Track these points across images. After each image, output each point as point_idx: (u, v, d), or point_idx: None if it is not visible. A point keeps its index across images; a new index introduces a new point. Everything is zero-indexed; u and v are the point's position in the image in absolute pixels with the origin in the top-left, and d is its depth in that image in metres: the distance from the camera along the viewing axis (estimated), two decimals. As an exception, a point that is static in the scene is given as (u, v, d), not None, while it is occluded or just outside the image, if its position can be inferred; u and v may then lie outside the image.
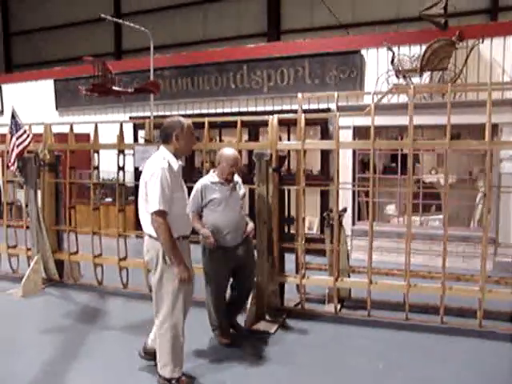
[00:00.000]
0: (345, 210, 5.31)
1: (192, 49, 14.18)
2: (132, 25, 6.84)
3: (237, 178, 4.35)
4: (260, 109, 8.23)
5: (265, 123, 5.17)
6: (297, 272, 5.15)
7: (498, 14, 11.88)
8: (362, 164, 7.61)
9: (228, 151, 4.23)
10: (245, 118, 5.33)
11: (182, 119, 3.58)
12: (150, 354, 3.82)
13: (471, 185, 7.40)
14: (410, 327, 4.73)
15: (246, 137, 7.94)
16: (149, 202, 3.37)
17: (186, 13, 15.84)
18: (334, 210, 4.89)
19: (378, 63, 7.59)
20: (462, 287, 4.88)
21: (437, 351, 4.28)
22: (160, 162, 3.41)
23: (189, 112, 8.88)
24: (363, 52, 7.71)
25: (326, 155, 7.56)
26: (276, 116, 4.96)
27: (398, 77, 7.20)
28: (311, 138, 7.84)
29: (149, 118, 7.38)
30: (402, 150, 6.74)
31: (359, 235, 7.05)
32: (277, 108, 8.02)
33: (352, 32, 13.09)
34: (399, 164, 6.83)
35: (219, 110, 8.67)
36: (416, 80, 7.14)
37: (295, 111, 6.76)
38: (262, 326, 4.70)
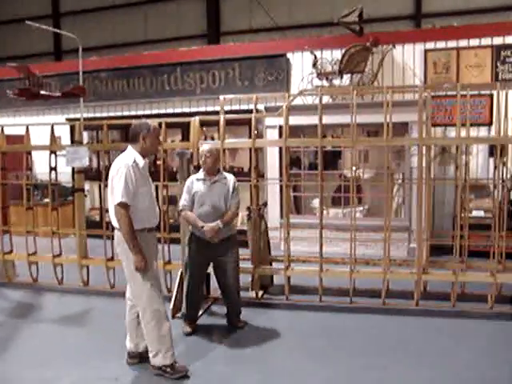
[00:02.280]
0: (265, 204, 5.75)
1: (133, 49, 14.27)
2: (56, 30, 6.99)
3: (228, 175, 4.66)
4: (194, 110, 8.56)
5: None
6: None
7: (422, 20, 12.70)
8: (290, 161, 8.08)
9: (202, 146, 4.61)
10: (169, 120, 5.68)
11: (148, 121, 3.86)
12: (135, 357, 3.98)
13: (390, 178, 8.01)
14: (324, 308, 5.23)
15: (179, 137, 8.26)
16: (113, 195, 3.62)
17: (126, 13, 15.90)
18: (253, 204, 5.33)
19: (302, 66, 8.11)
20: (369, 270, 5.46)
21: (345, 327, 4.79)
22: (126, 159, 3.68)
23: (125, 113, 9.13)
24: (289, 55, 8.23)
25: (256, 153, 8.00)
26: (197, 118, 5.35)
27: (320, 79, 7.75)
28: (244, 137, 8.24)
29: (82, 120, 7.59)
30: (324, 147, 7.30)
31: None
32: (209, 109, 8.39)
33: (289, 34, 13.67)
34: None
35: (154, 111, 8.95)
36: (337, 82, 7.71)
37: (228, 112, 7.18)
38: (187, 313, 5.06)
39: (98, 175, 6.17)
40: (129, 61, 9.38)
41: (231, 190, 4.56)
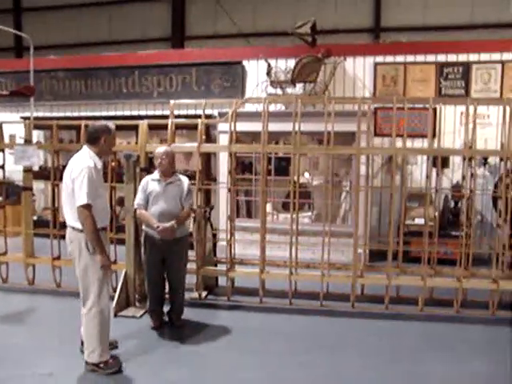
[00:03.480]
0: (211, 207, 5.93)
1: (97, 49, 14.23)
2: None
3: (182, 177, 4.86)
4: (150, 113, 8.68)
5: (152, 127, 5.75)
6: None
7: (380, 33, 13.16)
8: (242, 166, 8.30)
9: (158, 149, 4.80)
10: (124, 123, 5.82)
11: (109, 124, 3.99)
12: None
13: (338, 185, 8.30)
14: (264, 309, 5.44)
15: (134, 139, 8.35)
16: (76, 196, 3.71)
17: (90, 13, 15.84)
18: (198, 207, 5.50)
19: (258, 73, 8.35)
20: (308, 273, 5.71)
21: (283, 327, 5.01)
22: (87, 161, 3.78)
23: (82, 114, 9.14)
24: (245, 63, 8.47)
25: (207, 157, 8.17)
26: (146, 121, 5.50)
27: (273, 87, 7.99)
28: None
29: (37, 118, 7.61)
30: (276, 153, 7.57)
31: (237, 230, 7.69)
32: (166, 112, 8.44)
33: (253, 41, 13.94)
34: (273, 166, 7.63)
35: (111, 113, 8.99)
36: (290, 90, 7.97)
37: (183, 116, 7.32)
38: (130, 311, 5.19)
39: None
40: (87, 61, 9.43)
41: (185, 191, 4.76)
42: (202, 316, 5.22)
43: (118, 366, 3.93)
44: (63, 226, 4.28)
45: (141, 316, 5.11)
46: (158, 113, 8.64)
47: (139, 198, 4.72)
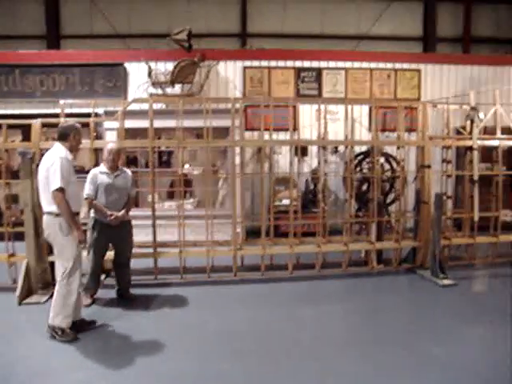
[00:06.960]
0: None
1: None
2: None
3: (126, 169, 5.22)
4: (34, 111, 8.34)
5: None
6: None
7: (247, 38, 13.90)
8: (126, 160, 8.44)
9: (108, 145, 5.11)
10: (11, 122, 5.72)
11: (76, 124, 4.39)
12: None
13: (215, 174, 8.89)
14: (158, 285, 5.82)
15: (20, 137, 8.08)
16: (50, 182, 4.03)
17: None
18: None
19: (139, 75, 8.55)
20: (195, 250, 6.21)
21: (175, 297, 5.42)
22: (58, 153, 4.14)
23: (-41, 112, 8.52)
24: (126, 65, 8.60)
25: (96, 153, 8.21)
26: (39, 120, 5.52)
27: (154, 87, 8.27)
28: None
29: None
30: (159, 147, 7.91)
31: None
32: (50, 111, 8.23)
33: (129, 42, 13.84)
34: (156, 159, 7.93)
35: (-9, 111, 8.55)
36: (170, 90, 8.31)
37: (69, 115, 7.26)
38: (33, 298, 5.23)
39: None
40: (-39, 58, 8.77)
41: (130, 182, 5.18)
42: (109, 294, 5.43)
43: (73, 336, 4.23)
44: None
45: (45, 302, 5.17)
46: (43, 111, 8.35)
47: (89, 189, 4.96)
